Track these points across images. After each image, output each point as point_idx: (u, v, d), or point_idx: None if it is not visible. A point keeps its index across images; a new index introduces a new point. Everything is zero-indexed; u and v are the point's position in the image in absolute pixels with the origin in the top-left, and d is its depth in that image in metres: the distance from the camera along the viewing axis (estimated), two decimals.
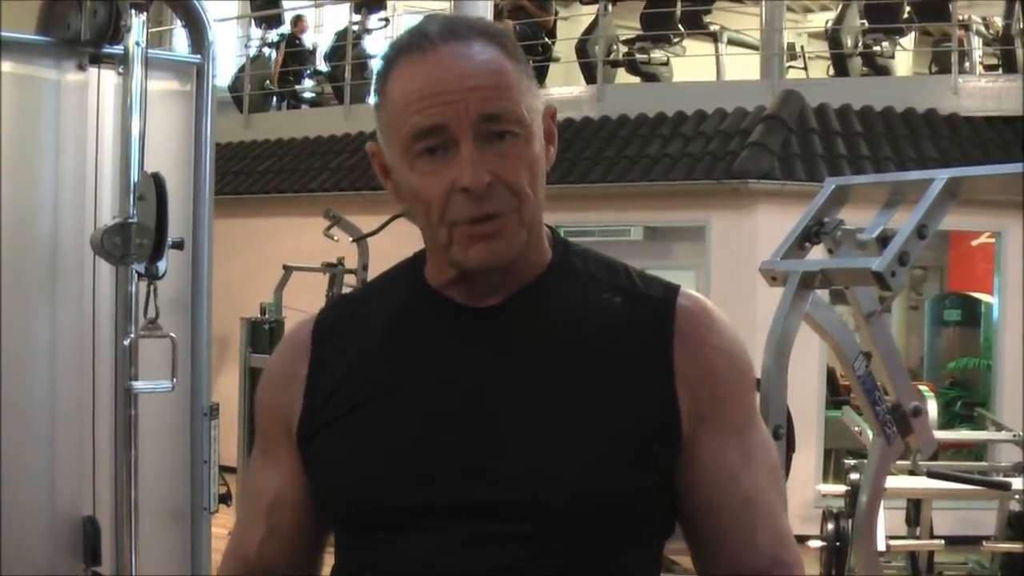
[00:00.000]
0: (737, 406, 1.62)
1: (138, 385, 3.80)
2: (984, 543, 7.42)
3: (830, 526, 6.71)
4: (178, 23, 5.04)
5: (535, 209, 1.56)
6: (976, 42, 11.59)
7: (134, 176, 3.75)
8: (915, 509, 7.36)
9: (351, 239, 8.69)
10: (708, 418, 1.59)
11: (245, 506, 1.77)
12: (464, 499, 1.52)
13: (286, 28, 13.85)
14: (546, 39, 12.40)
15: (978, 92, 10.27)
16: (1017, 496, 6.97)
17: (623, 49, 11.95)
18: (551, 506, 1.51)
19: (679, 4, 11.83)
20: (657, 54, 11.78)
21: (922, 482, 6.87)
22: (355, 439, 1.59)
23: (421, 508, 1.53)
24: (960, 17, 11.11)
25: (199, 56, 4.19)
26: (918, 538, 7.32)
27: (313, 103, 13.57)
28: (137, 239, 3.68)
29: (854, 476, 6.41)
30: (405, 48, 1.55)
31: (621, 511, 1.55)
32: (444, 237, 1.54)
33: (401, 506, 1.54)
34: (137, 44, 3.80)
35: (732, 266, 9.21)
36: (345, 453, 1.59)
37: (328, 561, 1.73)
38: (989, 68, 11.67)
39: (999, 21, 11.52)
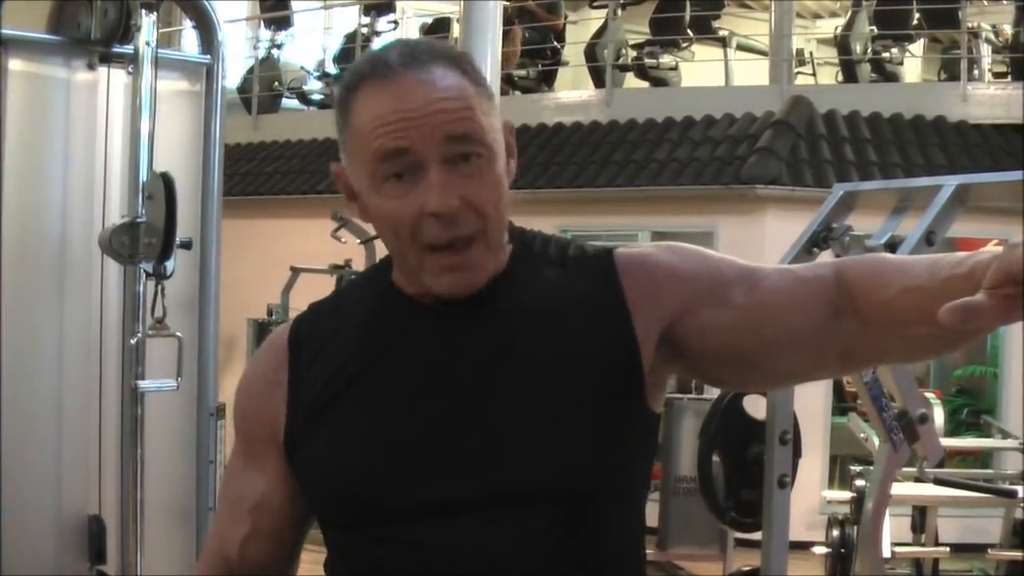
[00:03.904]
0: (713, 274, 1.63)
1: (144, 384, 3.80)
2: (989, 551, 7.41)
3: (835, 532, 6.71)
4: (188, 23, 5.05)
5: (500, 230, 1.59)
6: (985, 49, 11.57)
7: (143, 175, 3.76)
8: (920, 516, 7.35)
9: (358, 241, 8.70)
10: (695, 303, 1.61)
11: (225, 508, 1.80)
12: (460, 492, 1.55)
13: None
14: (555, 43, 12.40)
15: (987, 99, 10.26)
16: (1023, 504, 6.96)
17: (632, 53, 11.94)
18: (541, 489, 1.55)
19: (688, 9, 11.82)
20: (666, 59, 11.77)
21: (928, 489, 6.84)
22: (342, 441, 1.62)
23: (415, 503, 1.56)
24: (970, 24, 11.10)
25: (209, 56, 4.20)
26: (923, 545, 7.30)
27: (321, 105, 13.57)
28: (145, 238, 3.69)
29: (860, 483, 6.41)
30: (367, 75, 1.58)
31: (608, 479, 1.59)
32: (414, 261, 1.57)
33: (394, 503, 1.57)
34: (147, 44, 3.81)
35: None
36: (334, 455, 1.62)
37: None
38: (998, 76, 11.64)
39: (1008, 29, 11.51)
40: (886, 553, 4.86)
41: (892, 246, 3.62)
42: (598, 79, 11.71)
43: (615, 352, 1.60)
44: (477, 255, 1.57)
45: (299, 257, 9.79)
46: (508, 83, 11.53)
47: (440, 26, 13.05)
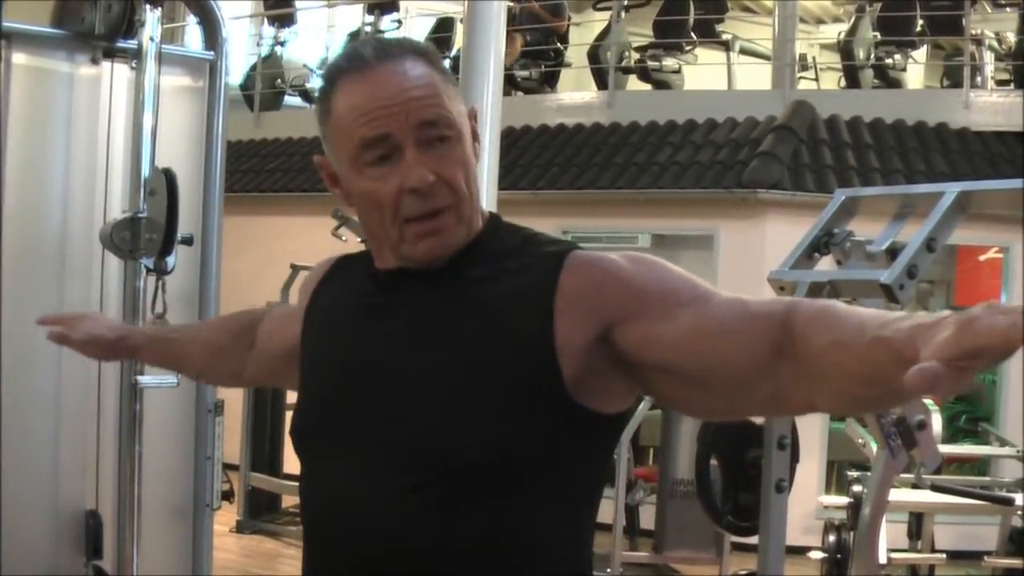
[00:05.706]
0: (666, 291, 1.64)
1: (144, 380, 3.80)
2: (985, 558, 7.42)
3: (831, 538, 6.71)
4: (192, 19, 5.05)
5: (470, 203, 1.75)
6: (988, 57, 11.56)
7: (145, 171, 3.76)
8: (917, 523, 7.36)
9: (359, 239, 8.70)
10: (639, 314, 1.63)
11: (273, 317, 2.19)
12: (357, 441, 1.72)
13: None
14: (558, 44, 12.41)
15: (989, 107, 10.26)
16: (1019, 512, 6.97)
17: (635, 56, 11.93)
18: (435, 460, 1.65)
19: (692, 12, 11.82)
20: (669, 62, 11.76)
21: (925, 496, 6.87)
22: (303, 379, 1.90)
23: (327, 446, 1.77)
24: (973, 31, 11.09)
25: (212, 53, 4.21)
26: (919, 552, 7.32)
27: None
28: (146, 234, 3.70)
29: (857, 488, 6.41)
30: (344, 70, 1.75)
31: (501, 461, 1.65)
32: (396, 235, 1.74)
33: (315, 442, 1.81)
34: (151, 39, 3.82)
35: (740, 275, 9.18)
36: (300, 388, 1.90)
37: None
38: (1001, 83, 11.63)
39: (1012, 36, 11.51)
40: (882, 559, 4.85)
41: (893, 252, 3.62)
42: (601, 81, 11.71)
43: (530, 345, 1.66)
44: (449, 222, 1.73)
45: (300, 255, 9.76)
46: (511, 84, 11.52)
47: (444, 27, 13.04)
